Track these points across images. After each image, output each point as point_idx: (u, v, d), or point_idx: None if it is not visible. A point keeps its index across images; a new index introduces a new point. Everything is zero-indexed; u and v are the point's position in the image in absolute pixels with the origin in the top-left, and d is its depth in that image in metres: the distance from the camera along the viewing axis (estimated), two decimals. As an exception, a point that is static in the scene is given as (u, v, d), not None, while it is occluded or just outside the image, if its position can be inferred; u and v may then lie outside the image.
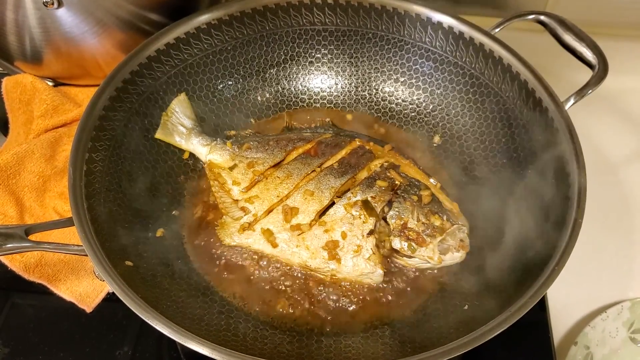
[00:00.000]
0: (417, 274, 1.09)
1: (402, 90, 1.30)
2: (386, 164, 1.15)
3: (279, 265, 1.09)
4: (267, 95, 1.32)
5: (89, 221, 0.95)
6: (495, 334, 0.84)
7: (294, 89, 1.33)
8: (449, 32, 1.20)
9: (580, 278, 1.17)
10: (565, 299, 1.18)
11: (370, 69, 1.31)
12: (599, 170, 1.25)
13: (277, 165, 1.16)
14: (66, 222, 0.96)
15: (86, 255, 0.91)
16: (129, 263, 0.99)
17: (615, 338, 1.12)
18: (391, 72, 1.29)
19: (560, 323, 1.18)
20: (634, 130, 1.45)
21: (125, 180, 1.11)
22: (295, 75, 1.32)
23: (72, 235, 1.20)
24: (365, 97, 1.32)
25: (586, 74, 1.13)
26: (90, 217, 0.96)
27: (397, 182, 1.12)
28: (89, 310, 1.14)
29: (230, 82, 1.28)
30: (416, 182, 1.13)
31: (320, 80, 1.33)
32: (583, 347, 1.11)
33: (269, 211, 1.11)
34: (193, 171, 1.22)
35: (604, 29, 1.51)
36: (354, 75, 1.32)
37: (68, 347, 1.10)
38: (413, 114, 1.29)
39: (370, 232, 1.07)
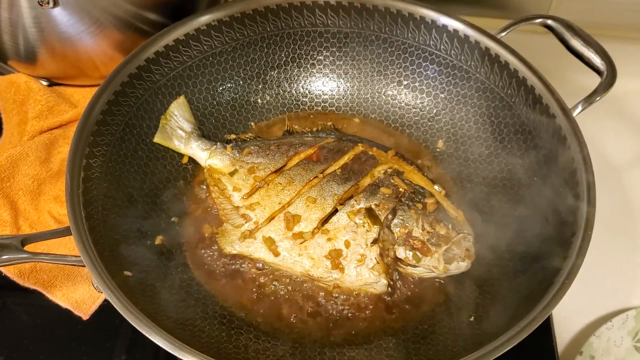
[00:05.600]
0: (421, 283, 1.07)
1: (406, 94, 1.28)
2: (390, 170, 1.14)
3: (281, 275, 1.08)
4: (268, 98, 1.29)
5: (87, 231, 0.93)
6: (505, 350, 0.84)
7: (295, 91, 1.31)
8: (454, 35, 1.18)
9: (584, 285, 1.15)
10: (569, 306, 1.16)
11: (373, 71, 1.28)
12: (602, 174, 1.23)
13: (278, 171, 1.14)
14: (64, 232, 0.94)
15: (84, 266, 0.90)
16: (127, 273, 0.97)
17: (620, 347, 1.12)
18: (394, 75, 1.27)
19: (564, 330, 1.17)
20: (637, 134, 1.44)
21: (123, 186, 1.09)
22: (296, 78, 1.30)
23: (67, 241, 1.18)
24: (368, 101, 1.30)
25: (592, 76, 1.12)
26: (89, 226, 0.94)
27: (401, 190, 1.10)
28: (85, 317, 1.12)
29: (230, 85, 1.26)
30: (420, 190, 1.11)
31: (322, 83, 1.31)
32: (588, 356, 1.10)
33: (271, 219, 1.09)
34: (192, 176, 1.20)
35: (607, 30, 1.50)
36: (356, 78, 1.30)
37: (64, 354, 1.08)
38: (416, 118, 1.27)
39: (374, 241, 1.05)
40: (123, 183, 1.09)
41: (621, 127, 1.45)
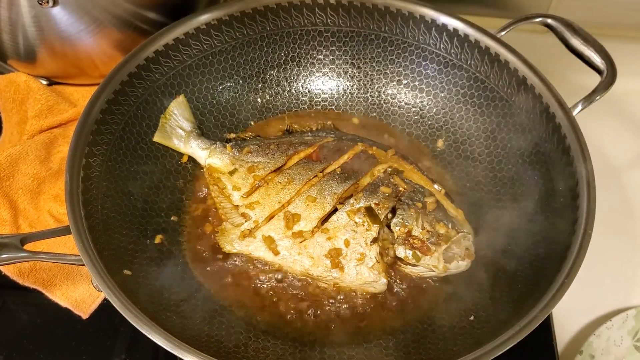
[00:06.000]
0: (421, 282, 1.07)
1: (405, 93, 1.28)
2: (389, 169, 1.14)
3: (280, 274, 1.07)
4: (267, 97, 1.29)
5: (87, 230, 0.93)
6: (505, 349, 0.84)
7: (295, 90, 1.30)
8: (454, 34, 1.18)
9: (584, 285, 1.15)
10: (569, 306, 1.16)
11: (373, 70, 1.28)
12: (601, 173, 1.23)
13: (278, 170, 1.14)
14: (63, 231, 0.94)
15: (83, 265, 0.89)
16: (127, 272, 0.97)
17: (619, 346, 1.12)
18: (394, 74, 1.27)
19: (564, 330, 1.17)
20: (638, 133, 1.43)
21: (123, 185, 1.09)
22: (296, 77, 1.30)
23: (67, 240, 1.18)
24: (367, 100, 1.30)
25: (592, 75, 1.12)
26: (88, 225, 0.94)
27: (401, 189, 1.10)
28: (85, 316, 1.12)
29: (229, 84, 1.26)
30: (420, 189, 1.11)
31: (322, 82, 1.31)
32: (588, 356, 1.10)
33: (270, 217, 1.09)
34: (192, 175, 1.20)
35: (607, 30, 1.50)
36: (356, 77, 1.30)
37: (63, 354, 1.08)
38: (416, 117, 1.27)
39: (374, 240, 1.05)
40: (123, 182, 1.09)
41: (621, 127, 1.45)
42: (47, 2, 1.12)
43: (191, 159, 1.20)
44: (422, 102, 1.27)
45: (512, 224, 1.07)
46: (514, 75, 1.13)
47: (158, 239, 1.09)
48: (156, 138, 1.17)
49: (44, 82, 1.36)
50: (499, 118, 1.17)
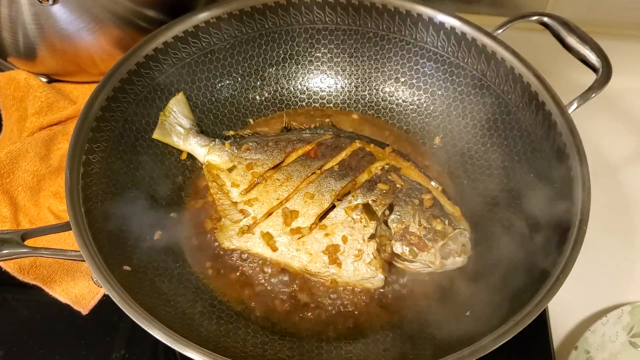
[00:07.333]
0: (418, 278, 1.08)
1: (403, 91, 1.28)
2: (387, 166, 1.14)
3: (279, 269, 1.08)
4: (266, 94, 1.30)
5: (87, 226, 0.93)
6: (500, 344, 0.84)
7: (293, 88, 1.31)
8: (451, 32, 1.18)
9: (580, 281, 1.15)
10: (565, 301, 1.16)
11: (371, 68, 1.29)
12: (598, 171, 1.24)
13: (276, 167, 1.15)
14: (63, 227, 0.95)
15: (84, 261, 0.90)
16: (126, 268, 0.98)
17: (615, 342, 1.12)
18: (392, 72, 1.28)
19: (560, 326, 1.17)
20: (634, 131, 1.44)
21: (122, 182, 1.10)
22: (294, 75, 1.31)
23: (67, 236, 1.18)
24: (365, 97, 1.31)
25: (588, 73, 1.13)
26: (88, 221, 0.95)
27: (398, 185, 1.11)
28: (84, 312, 1.13)
29: (228, 82, 1.26)
30: (417, 186, 1.12)
31: (320, 80, 1.31)
32: (583, 351, 1.10)
33: (269, 214, 1.10)
34: (191, 172, 1.21)
35: (604, 28, 1.50)
36: (354, 75, 1.30)
37: (63, 350, 1.09)
38: (414, 114, 1.28)
39: (371, 236, 1.06)
40: (122, 179, 1.10)
41: (616, 124, 1.46)
42: (47, 0, 1.12)
43: (190, 156, 1.21)
44: (419, 99, 1.27)
45: (508, 220, 1.08)
46: (510, 73, 1.14)
47: (157, 235, 1.09)
48: (155, 135, 1.17)
49: (44, 80, 1.37)
50: (495, 115, 1.18)
